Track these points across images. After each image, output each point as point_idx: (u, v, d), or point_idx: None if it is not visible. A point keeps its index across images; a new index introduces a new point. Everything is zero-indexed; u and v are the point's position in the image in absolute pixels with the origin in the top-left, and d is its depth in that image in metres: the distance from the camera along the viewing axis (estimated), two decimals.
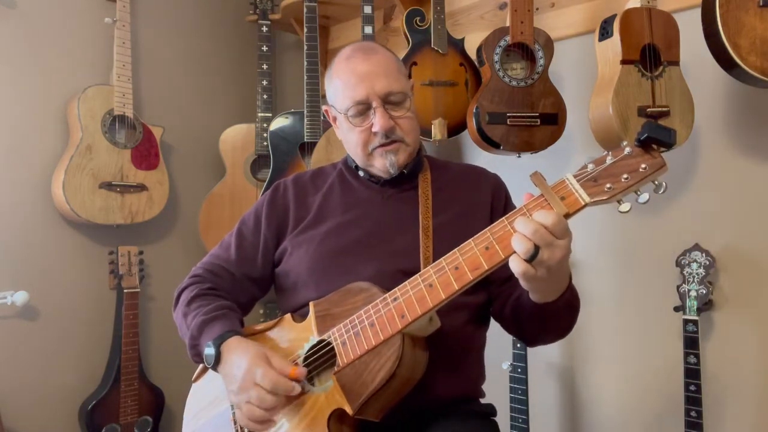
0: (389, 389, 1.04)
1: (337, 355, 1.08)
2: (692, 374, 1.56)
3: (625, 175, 0.94)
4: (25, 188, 2.16)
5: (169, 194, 2.34)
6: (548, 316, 1.14)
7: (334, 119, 1.35)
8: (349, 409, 1.04)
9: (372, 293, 1.09)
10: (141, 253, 2.31)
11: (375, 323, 1.05)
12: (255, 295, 1.38)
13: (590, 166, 0.97)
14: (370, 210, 1.31)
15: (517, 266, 0.95)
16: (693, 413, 1.55)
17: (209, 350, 1.15)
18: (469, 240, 1.01)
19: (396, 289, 1.05)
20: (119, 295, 2.26)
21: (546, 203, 0.97)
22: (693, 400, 1.56)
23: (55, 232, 2.22)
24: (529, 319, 1.18)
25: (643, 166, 0.94)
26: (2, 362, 2.08)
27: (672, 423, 1.71)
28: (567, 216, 0.96)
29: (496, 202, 1.33)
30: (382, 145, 1.26)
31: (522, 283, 1.01)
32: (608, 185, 0.95)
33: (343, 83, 1.26)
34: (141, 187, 2.25)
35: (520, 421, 1.84)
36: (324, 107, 1.38)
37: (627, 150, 0.96)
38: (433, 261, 1.18)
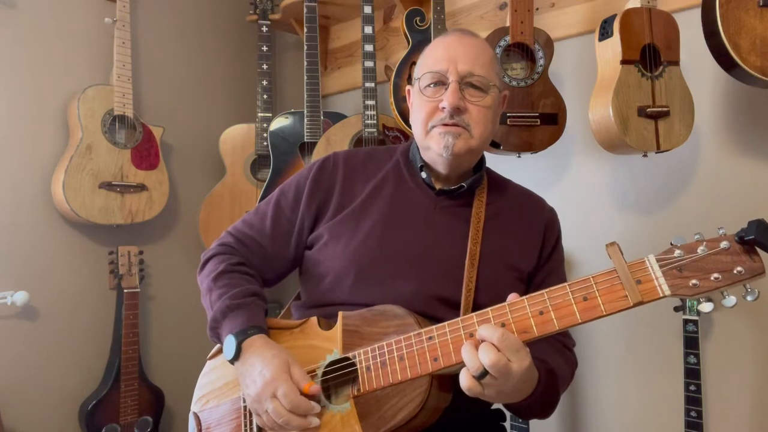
0: (408, 427, 1.00)
1: (359, 379, 1.03)
2: (692, 374, 1.56)
3: (716, 275, 0.84)
4: (25, 188, 2.15)
5: (169, 194, 2.34)
6: (515, 411, 1.10)
7: (411, 103, 1.28)
8: None
9: (407, 323, 1.03)
10: (141, 253, 2.31)
11: (405, 357, 0.99)
12: (283, 273, 1.32)
13: (677, 252, 0.87)
14: (418, 217, 1.22)
15: (464, 381, 0.90)
16: (693, 413, 1.55)
17: (230, 345, 1.11)
18: (522, 298, 0.93)
19: (433, 327, 0.98)
20: (119, 295, 2.26)
21: (617, 282, 0.88)
22: (693, 400, 1.56)
23: (55, 232, 2.22)
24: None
25: (739, 269, 0.84)
26: (2, 362, 2.08)
27: (672, 423, 1.71)
28: (639, 304, 0.86)
29: (547, 242, 1.26)
30: (444, 124, 1.17)
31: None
32: (694, 281, 0.85)
33: (430, 53, 1.22)
34: (141, 187, 2.25)
35: (520, 421, 1.84)
36: (407, 87, 1.31)
37: (723, 244, 0.86)
38: (475, 292, 1.13)
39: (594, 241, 1.91)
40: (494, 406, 1.29)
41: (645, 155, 1.68)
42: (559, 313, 0.90)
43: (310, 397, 1.05)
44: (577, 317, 0.89)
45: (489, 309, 0.95)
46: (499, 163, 2.04)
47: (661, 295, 0.86)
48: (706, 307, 0.87)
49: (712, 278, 0.84)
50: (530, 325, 0.91)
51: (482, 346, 0.89)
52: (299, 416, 1.02)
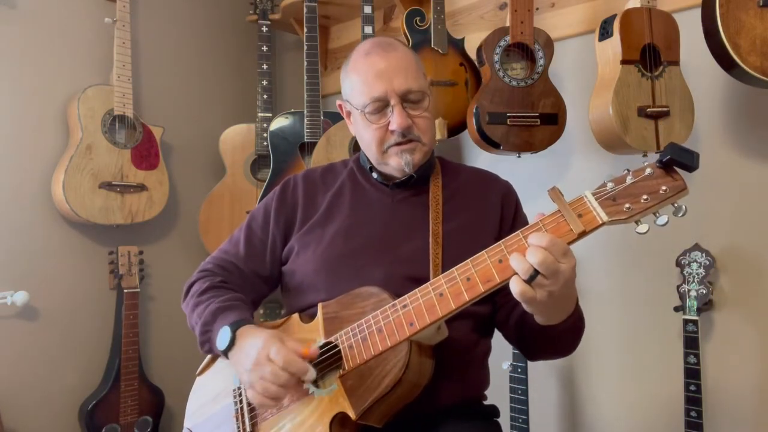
0: (393, 396, 1.03)
1: (343, 358, 1.07)
2: (692, 374, 1.56)
3: (645, 196, 0.93)
4: (25, 188, 2.15)
5: (169, 194, 2.34)
6: (551, 338, 1.13)
7: (348, 114, 1.33)
8: (352, 414, 1.03)
9: (381, 298, 1.08)
10: (141, 253, 2.31)
11: (383, 329, 1.04)
12: (263, 292, 1.37)
13: (609, 185, 0.96)
14: (379, 213, 1.29)
15: (515, 287, 0.93)
16: (693, 413, 1.55)
17: (224, 333, 1.13)
18: (483, 252, 0.99)
19: (406, 296, 1.04)
20: (119, 295, 2.26)
21: (562, 219, 0.95)
22: (693, 400, 1.56)
23: (55, 232, 2.21)
24: (531, 336, 1.17)
25: (664, 188, 0.93)
26: (2, 362, 2.08)
27: (672, 423, 1.71)
28: (583, 234, 0.94)
29: (506, 211, 1.31)
30: (398, 144, 1.24)
31: (523, 305, 0.99)
32: (627, 205, 0.94)
33: (362, 79, 1.24)
34: (141, 187, 2.25)
35: (520, 421, 1.84)
36: (338, 102, 1.36)
37: (648, 171, 0.95)
38: (442, 268, 1.18)
39: (594, 240, 1.91)
40: (487, 402, 1.30)
41: (645, 155, 1.68)
42: None
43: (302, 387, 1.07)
44: None
45: (455, 268, 1.01)
46: (499, 163, 2.04)
47: (600, 221, 0.94)
48: (642, 228, 0.93)
49: (642, 200, 0.93)
50: (492, 274, 0.97)
51: (530, 249, 0.93)
52: (293, 374, 1.03)
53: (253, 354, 1.07)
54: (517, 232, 0.97)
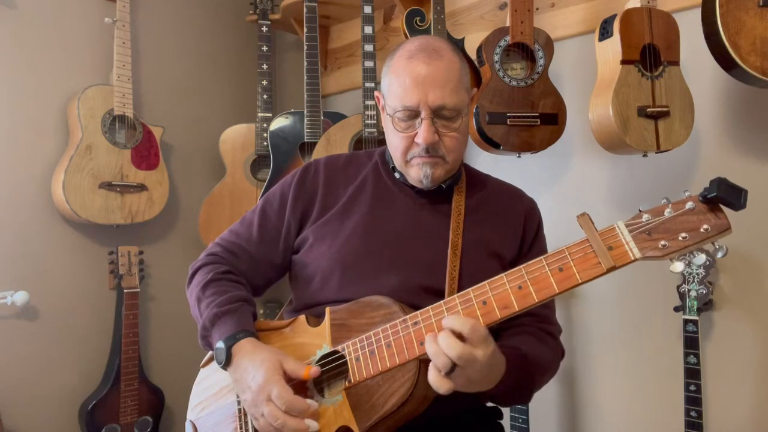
0: (399, 414, 1.02)
1: (350, 370, 1.05)
2: (692, 374, 1.56)
3: (683, 234, 0.86)
4: (25, 188, 2.15)
5: (169, 194, 2.34)
6: (491, 399, 1.12)
7: (383, 108, 1.29)
8: (356, 429, 1.02)
9: (392, 311, 1.05)
10: (141, 253, 2.31)
11: (392, 344, 1.00)
12: (272, 279, 1.34)
13: (645, 216, 0.89)
14: (400, 215, 1.26)
15: (433, 378, 0.92)
16: (693, 413, 1.55)
17: (220, 350, 1.13)
18: (502, 275, 0.95)
19: (417, 312, 1.00)
20: (119, 295, 2.26)
21: (590, 250, 0.89)
22: (693, 400, 1.56)
23: (55, 232, 2.22)
24: None
25: (706, 227, 0.85)
26: (2, 362, 2.08)
27: (672, 423, 1.71)
28: (612, 269, 0.88)
29: (528, 230, 1.29)
30: (421, 156, 1.21)
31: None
32: (663, 242, 0.86)
33: (398, 83, 1.19)
34: (141, 187, 2.25)
35: (520, 421, 1.84)
36: (376, 93, 1.32)
37: (689, 204, 0.87)
38: (458, 280, 1.16)
39: None
40: (491, 404, 1.29)
41: (645, 155, 1.68)
42: (537, 286, 0.92)
43: (306, 395, 1.05)
44: (554, 288, 0.91)
45: (470, 289, 0.97)
46: (499, 163, 2.04)
47: (632, 258, 0.87)
48: (677, 266, 0.88)
49: (680, 238, 0.86)
50: (511, 300, 0.93)
51: (446, 341, 0.90)
52: (295, 417, 1.02)
53: (254, 388, 1.06)
54: (540, 258, 0.94)
